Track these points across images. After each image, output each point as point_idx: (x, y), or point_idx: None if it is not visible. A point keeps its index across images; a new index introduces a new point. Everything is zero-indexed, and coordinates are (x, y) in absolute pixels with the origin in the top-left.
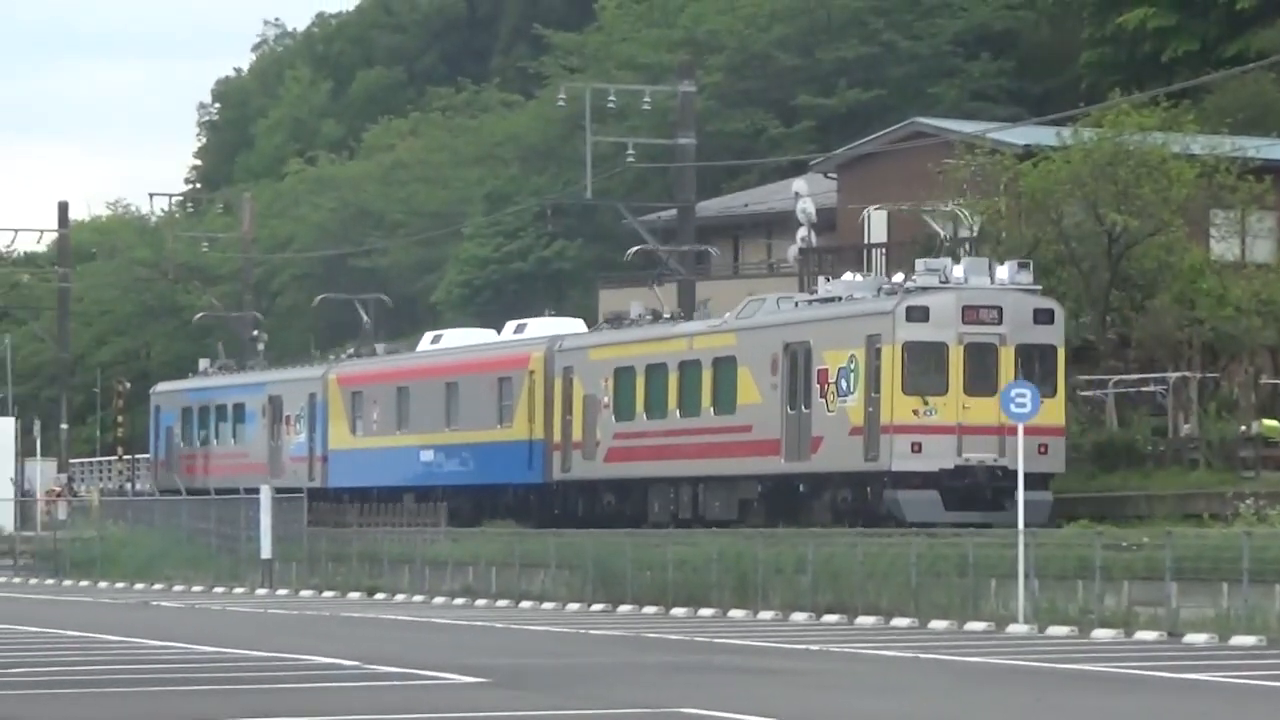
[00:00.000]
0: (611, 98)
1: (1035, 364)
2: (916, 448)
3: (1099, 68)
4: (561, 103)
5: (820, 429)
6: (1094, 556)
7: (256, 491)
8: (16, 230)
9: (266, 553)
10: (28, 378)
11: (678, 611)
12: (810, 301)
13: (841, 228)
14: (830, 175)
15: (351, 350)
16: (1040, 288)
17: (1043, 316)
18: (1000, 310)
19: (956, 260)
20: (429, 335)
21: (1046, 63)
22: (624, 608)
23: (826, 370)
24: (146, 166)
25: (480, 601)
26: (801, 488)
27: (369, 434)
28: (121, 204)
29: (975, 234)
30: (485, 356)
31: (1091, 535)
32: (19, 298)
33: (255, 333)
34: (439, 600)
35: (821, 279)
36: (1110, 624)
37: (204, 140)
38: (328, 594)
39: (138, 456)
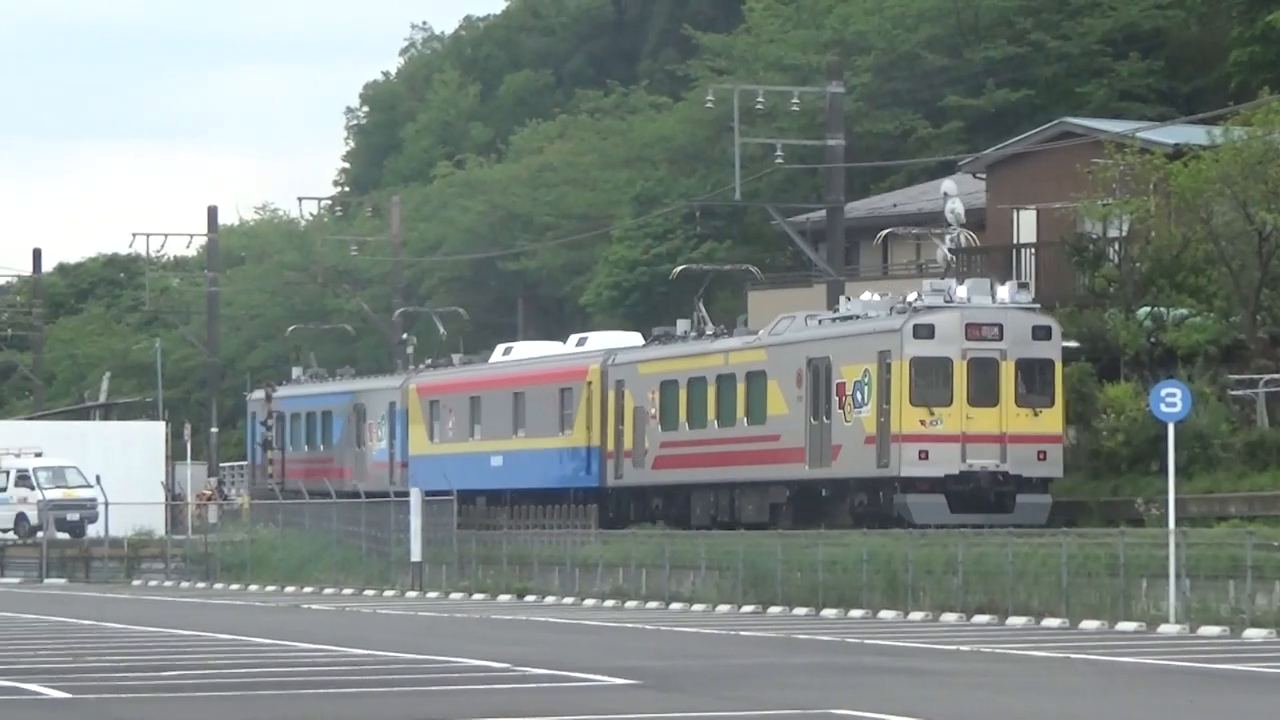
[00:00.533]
0: (760, 99)
1: (1035, 377)
2: (924, 455)
3: (1248, 66)
4: (710, 104)
5: (839, 438)
6: (1246, 556)
7: (395, 495)
8: (166, 235)
9: (416, 555)
10: (178, 382)
11: (828, 613)
12: (834, 319)
13: (990, 228)
14: (979, 175)
15: (430, 361)
16: (1039, 306)
17: (1041, 333)
18: (1001, 327)
19: (960, 281)
20: (500, 347)
21: (1195, 62)
22: (774, 609)
23: (844, 384)
24: (295, 171)
25: (630, 603)
26: (824, 492)
27: (445, 440)
28: (270, 208)
29: (1124, 234)
30: (549, 368)
31: (1243, 534)
32: (169, 302)
33: (404, 336)
34: (589, 602)
35: (843, 299)
36: (1262, 624)
37: (352, 144)
38: (478, 596)
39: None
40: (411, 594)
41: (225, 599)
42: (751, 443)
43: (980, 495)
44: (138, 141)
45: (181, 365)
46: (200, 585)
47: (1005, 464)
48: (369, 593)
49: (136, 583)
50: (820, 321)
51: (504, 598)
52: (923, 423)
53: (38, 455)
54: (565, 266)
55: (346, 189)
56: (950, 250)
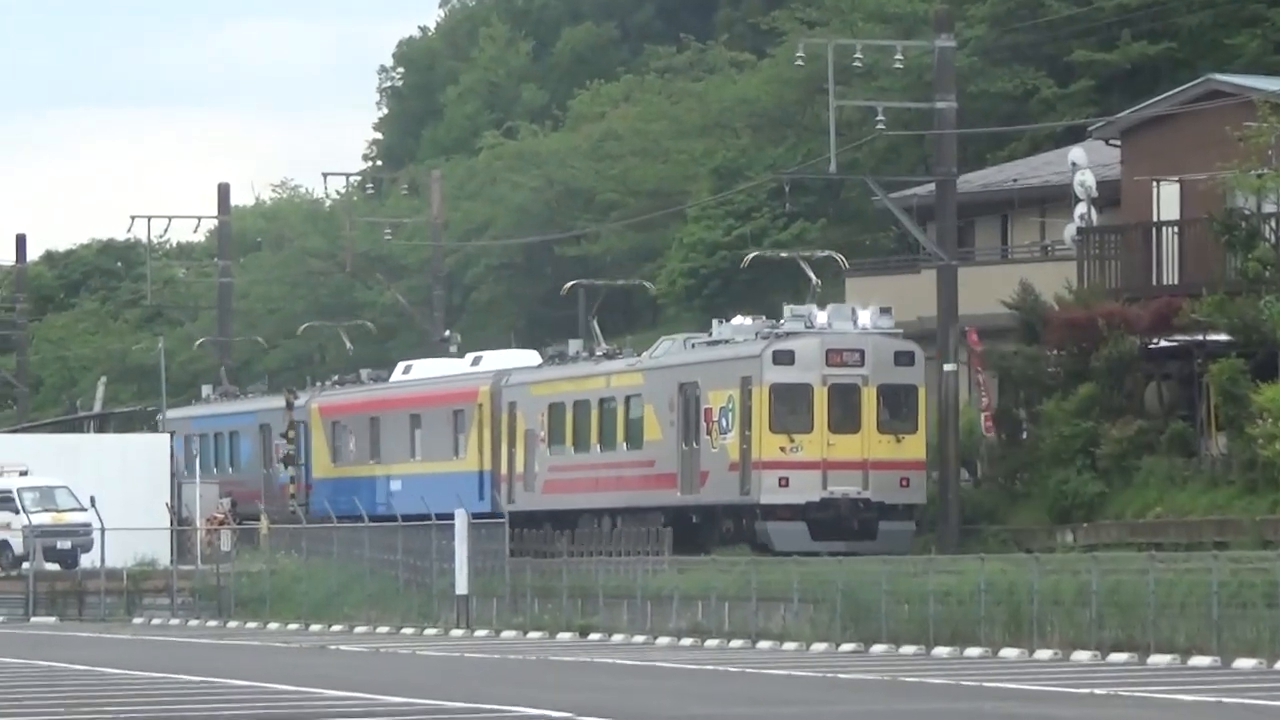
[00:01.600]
0: (858, 55)
1: (898, 403)
2: (784, 482)
3: None
4: (800, 62)
5: (707, 464)
6: None
7: (447, 517)
8: (170, 217)
9: (463, 587)
10: (184, 387)
11: (940, 651)
12: (707, 344)
13: (1126, 203)
14: (1113, 142)
15: (335, 378)
16: (901, 331)
17: (904, 359)
18: (862, 353)
19: (822, 306)
20: (401, 365)
21: None
22: (878, 647)
23: (711, 410)
24: (319, 142)
25: (711, 642)
26: (694, 518)
27: (347, 463)
28: (290, 186)
29: None
30: (443, 390)
31: None
32: (173, 295)
33: (446, 333)
34: (663, 641)
35: (715, 322)
36: None
37: (385, 111)
38: (533, 635)
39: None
40: (457, 632)
41: (241, 639)
42: (631, 468)
43: (842, 522)
44: (137, 109)
45: (188, 368)
46: (212, 623)
47: (867, 491)
48: (407, 631)
49: (138, 621)
50: (693, 345)
51: (564, 636)
52: (783, 450)
53: (23, 474)
54: (633, 251)
55: (378, 163)
56: (1079, 229)
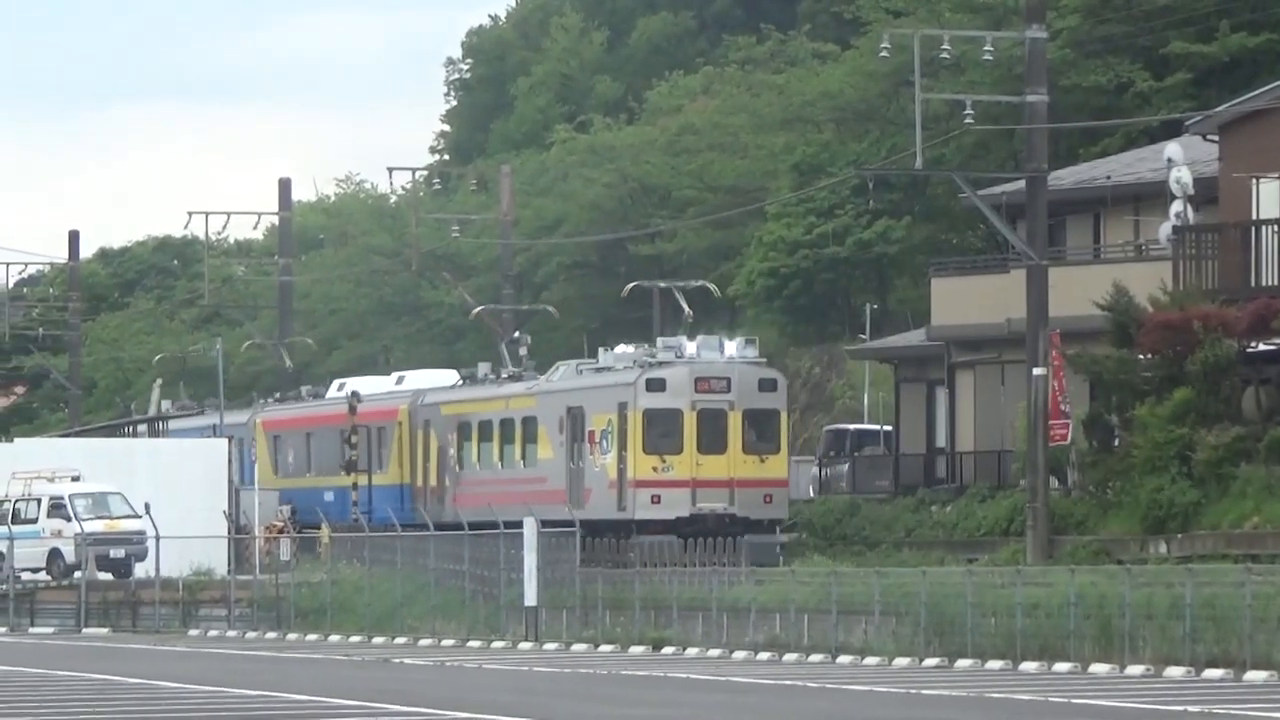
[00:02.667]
0: (945, 46)
1: (762, 427)
2: (656, 499)
3: None
4: (885, 53)
5: (590, 482)
6: None
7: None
8: (229, 214)
9: (532, 599)
10: (243, 390)
11: (1028, 666)
12: (594, 370)
13: (1225, 201)
14: (1211, 138)
15: (278, 395)
16: (765, 360)
17: (767, 385)
18: (729, 380)
19: (691, 338)
20: (335, 383)
21: None
22: (963, 662)
23: (594, 431)
24: (384, 136)
25: (789, 656)
26: (581, 533)
27: (287, 475)
28: (354, 180)
29: None
30: (369, 408)
31: None
32: (233, 294)
33: (516, 335)
34: (739, 655)
35: (601, 349)
36: None
37: (454, 103)
38: (605, 648)
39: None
40: (525, 645)
41: (301, 651)
42: (527, 484)
43: (709, 536)
44: (195, 102)
45: (248, 370)
46: (270, 635)
47: (733, 507)
48: (474, 644)
49: (194, 632)
50: (582, 371)
51: (636, 650)
52: (655, 469)
53: (75, 479)
54: (711, 249)
55: (446, 157)
56: (1175, 228)
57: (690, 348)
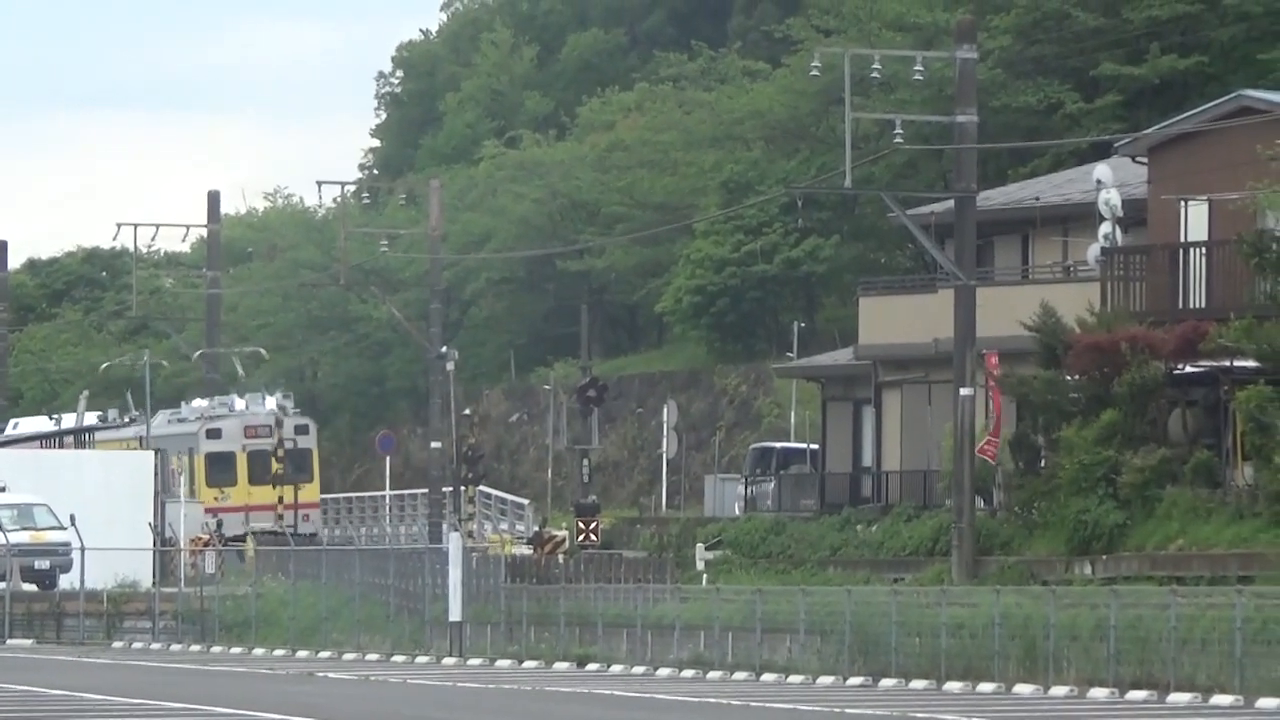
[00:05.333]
0: (876, 66)
1: (298, 462)
2: (219, 522)
3: None
4: (815, 72)
5: (173, 515)
6: None
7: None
8: (158, 225)
9: (456, 614)
10: (169, 403)
11: (952, 686)
12: (178, 420)
13: (1153, 223)
14: (1140, 160)
15: None
16: (300, 410)
17: (301, 430)
18: (271, 427)
19: (241, 395)
20: (12, 422)
21: None
22: (887, 681)
23: (175, 469)
24: (313, 150)
25: (714, 674)
26: None
27: None
28: (283, 194)
29: None
30: None
31: None
32: (160, 306)
33: (444, 349)
34: (664, 672)
35: (183, 403)
36: None
37: (383, 117)
38: (529, 664)
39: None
40: (449, 660)
41: (225, 664)
42: None
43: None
44: (125, 113)
45: (175, 382)
46: (195, 648)
47: (278, 525)
48: (398, 658)
49: (118, 644)
50: (170, 420)
51: (561, 666)
52: (216, 498)
53: (0, 490)
54: (640, 266)
55: (375, 172)
56: (1103, 250)
57: (240, 404)
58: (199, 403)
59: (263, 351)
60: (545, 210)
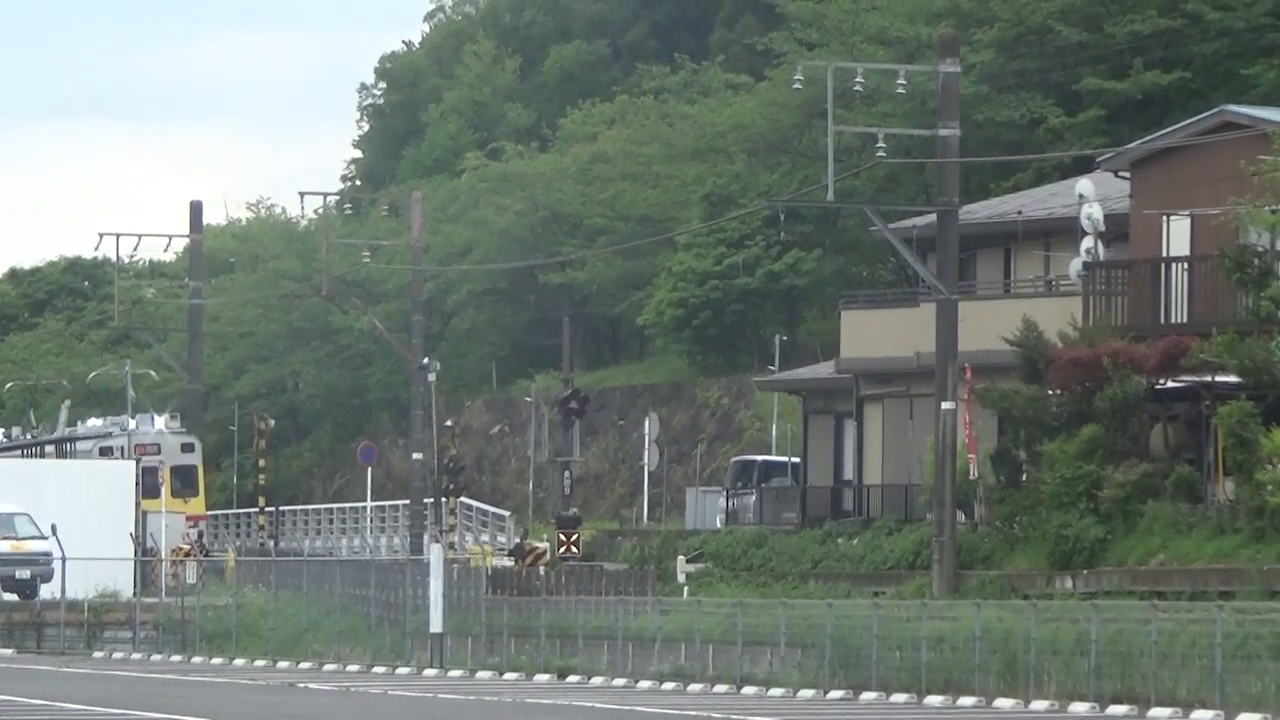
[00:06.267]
0: (858, 79)
1: (185, 478)
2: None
3: None
4: (798, 85)
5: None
6: None
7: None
8: (140, 235)
9: (437, 626)
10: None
11: (932, 700)
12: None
13: (1135, 237)
14: (1122, 174)
15: None
16: (186, 429)
17: (188, 448)
18: (160, 445)
19: (134, 416)
20: None
21: None
22: (868, 695)
23: None
24: (296, 161)
25: (694, 686)
26: None
27: None
28: (265, 205)
29: None
30: None
31: None
32: (142, 317)
33: (426, 360)
34: (644, 685)
35: (79, 422)
36: None
37: (366, 129)
38: (510, 676)
39: (283, 509)
40: (430, 672)
41: (205, 675)
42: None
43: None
44: (107, 122)
45: (156, 392)
46: (176, 658)
47: None
48: (379, 670)
49: (99, 654)
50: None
51: (541, 678)
52: None
53: None
54: (622, 279)
55: (358, 183)
56: (1085, 264)
57: (132, 425)
58: (93, 422)
59: (153, 373)
60: (527, 222)
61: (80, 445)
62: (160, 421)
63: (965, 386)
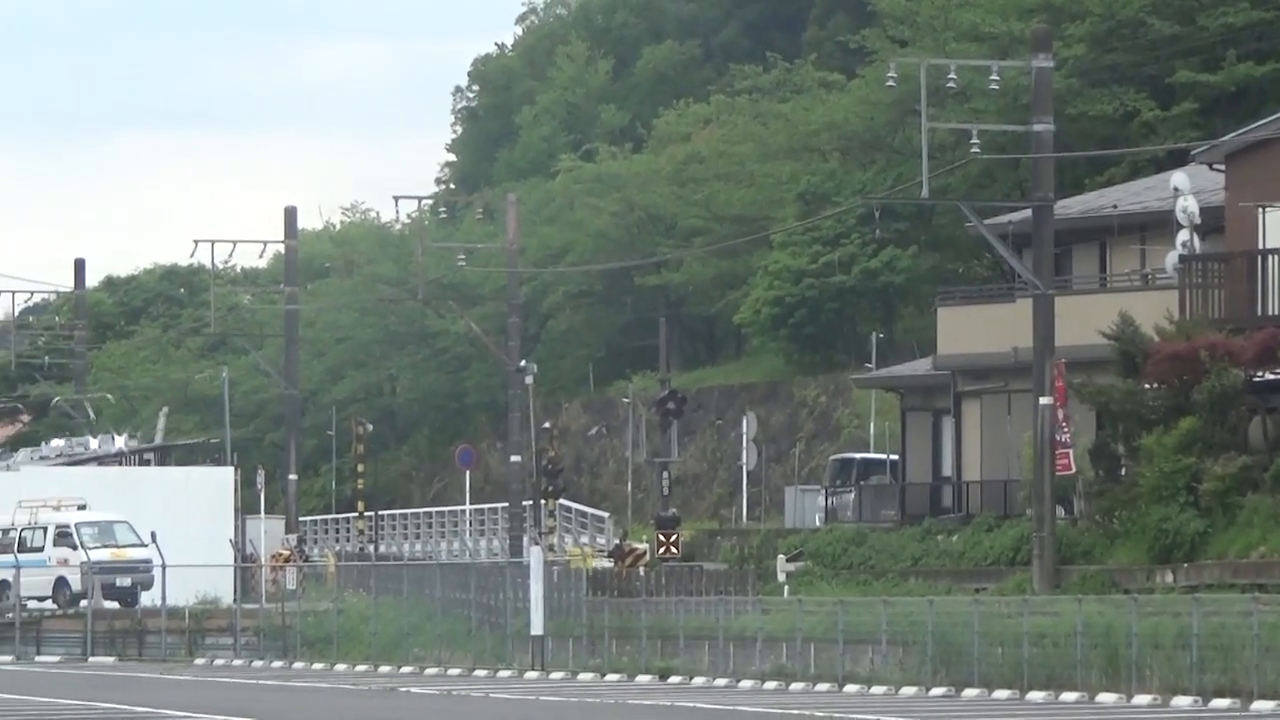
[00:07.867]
0: (951, 75)
1: None
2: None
3: None
4: (891, 82)
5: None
6: None
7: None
8: (235, 242)
9: (538, 628)
10: (249, 419)
11: (1035, 695)
12: (41, 458)
13: (1230, 230)
14: (1217, 167)
15: None
16: (151, 444)
17: (145, 464)
18: (121, 462)
19: (94, 435)
20: None
21: None
22: (970, 691)
23: None
24: (390, 165)
25: (796, 685)
26: None
27: None
28: (360, 209)
29: None
30: None
31: None
32: (238, 323)
33: (523, 363)
34: (746, 684)
35: (43, 443)
36: None
37: (459, 132)
38: (611, 677)
39: (382, 513)
40: (532, 674)
41: (307, 680)
42: None
43: None
44: (203, 131)
45: (253, 398)
46: (277, 664)
47: None
48: (480, 673)
49: (200, 661)
50: (34, 459)
51: (643, 679)
52: None
53: (81, 508)
54: (717, 279)
55: (452, 186)
56: (1181, 257)
57: (94, 443)
58: (57, 442)
59: (109, 397)
60: (622, 223)
61: (42, 465)
62: (120, 441)
63: (1059, 382)
